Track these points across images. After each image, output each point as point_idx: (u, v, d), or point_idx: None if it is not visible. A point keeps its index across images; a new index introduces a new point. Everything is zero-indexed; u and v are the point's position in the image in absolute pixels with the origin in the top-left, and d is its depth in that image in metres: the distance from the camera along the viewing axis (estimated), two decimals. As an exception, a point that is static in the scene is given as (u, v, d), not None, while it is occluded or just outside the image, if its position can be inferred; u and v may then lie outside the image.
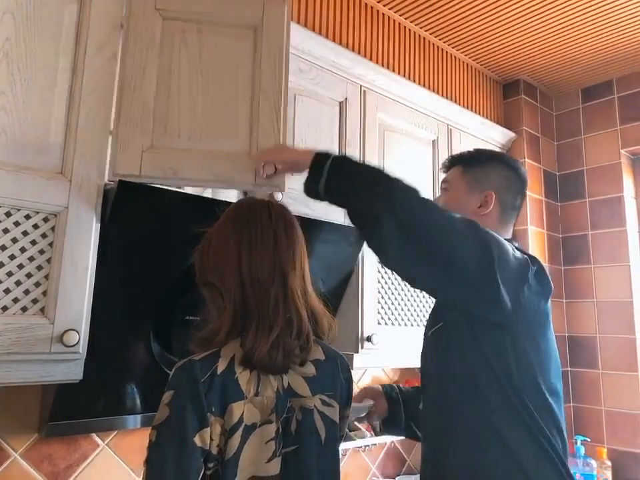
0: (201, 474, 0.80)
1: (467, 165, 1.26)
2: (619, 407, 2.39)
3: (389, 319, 1.78)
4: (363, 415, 1.28)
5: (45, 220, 1.09)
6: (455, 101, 2.38)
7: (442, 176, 1.33)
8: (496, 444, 1.01)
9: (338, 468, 0.97)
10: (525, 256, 1.08)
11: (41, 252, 1.08)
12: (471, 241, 0.96)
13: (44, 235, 1.08)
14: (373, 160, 1.80)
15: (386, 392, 1.33)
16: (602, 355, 2.47)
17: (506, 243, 1.05)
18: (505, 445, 1.00)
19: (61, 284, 1.07)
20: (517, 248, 1.10)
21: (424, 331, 1.22)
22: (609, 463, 2.26)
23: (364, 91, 1.82)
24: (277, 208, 0.99)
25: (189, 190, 1.33)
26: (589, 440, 2.31)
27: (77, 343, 1.07)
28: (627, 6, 2.06)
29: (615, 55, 2.42)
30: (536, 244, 2.50)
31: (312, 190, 1.06)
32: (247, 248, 0.92)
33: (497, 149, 2.48)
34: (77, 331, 1.07)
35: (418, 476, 1.53)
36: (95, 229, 1.13)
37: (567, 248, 2.66)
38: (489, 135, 2.41)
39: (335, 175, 1.03)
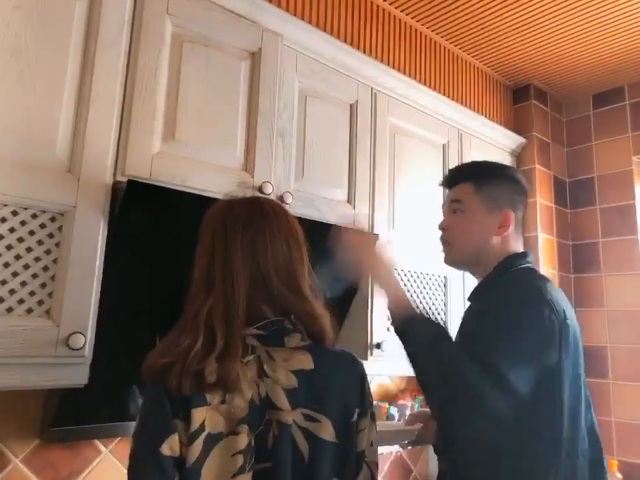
0: None
1: (478, 182, 1.20)
2: (629, 418, 2.34)
3: (399, 325, 1.74)
4: (413, 439, 1.26)
5: (52, 219, 1.06)
6: (466, 105, 2.35)
7: (440, 190, 1.28)
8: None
9: None
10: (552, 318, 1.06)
11: (47, 252, 1.05)
12: (491, 390, 0.99)
13: (51, 235, 1.05)
14: (383, 162, 1.77)
15: None
16: (612, 365, 2.43)
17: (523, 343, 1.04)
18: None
19: (67, 285, 1.04)
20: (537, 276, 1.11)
21: None
22: (620, 476, 2.21)
23: (375, 93, 1.80)
24: None
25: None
26: (599, 451, 2.27)
27: (82, 346, 1.04)
28: (638, 12, 2.04)
29: (627, 61, 2.39)
30: (546, 251, 2.46)
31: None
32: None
33: (507, 154, 2.46)
34: (82, 334, 1.04)
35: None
36: (102, 229, 1.11)
37: (577, 255, 2.62)
38: (499, 140, 2.38)
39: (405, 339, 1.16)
